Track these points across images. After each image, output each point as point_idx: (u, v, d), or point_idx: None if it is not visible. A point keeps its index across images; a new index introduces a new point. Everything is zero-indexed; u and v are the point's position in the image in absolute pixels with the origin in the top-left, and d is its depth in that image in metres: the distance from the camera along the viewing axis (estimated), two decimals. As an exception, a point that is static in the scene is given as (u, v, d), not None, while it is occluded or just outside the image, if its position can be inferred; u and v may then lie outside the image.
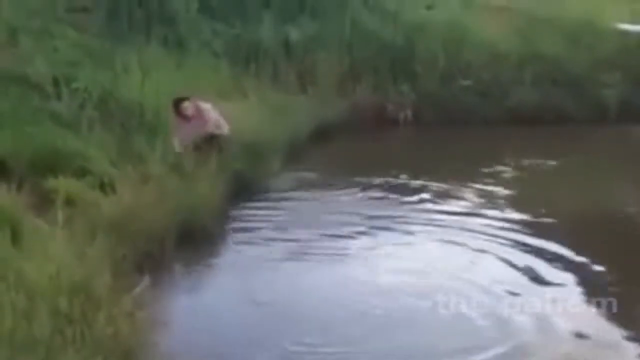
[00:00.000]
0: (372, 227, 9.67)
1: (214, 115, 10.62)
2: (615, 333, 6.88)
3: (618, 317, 7.08)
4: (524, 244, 9.10)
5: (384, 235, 9.43)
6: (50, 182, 8.51)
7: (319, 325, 6.94)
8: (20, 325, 5.17)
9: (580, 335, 6.80)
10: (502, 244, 9.10)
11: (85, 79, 11.08)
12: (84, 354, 5.13)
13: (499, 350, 6.48)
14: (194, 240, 8.75)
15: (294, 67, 15.62)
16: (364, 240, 9.21)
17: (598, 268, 8.34)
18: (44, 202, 7.91)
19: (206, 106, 10.61)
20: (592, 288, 7.82)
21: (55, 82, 10.62)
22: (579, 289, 7.85)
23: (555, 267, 8.43)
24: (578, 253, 8.75)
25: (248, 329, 6.93)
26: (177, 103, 10.45)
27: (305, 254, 8.76)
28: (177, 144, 10.26)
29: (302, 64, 15.75)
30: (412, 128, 15.77)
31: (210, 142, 10.47)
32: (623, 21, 17.77)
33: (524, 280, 8.10)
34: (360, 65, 16.18)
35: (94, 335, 5.39)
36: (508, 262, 8.56)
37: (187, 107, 10.44)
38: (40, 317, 5.31)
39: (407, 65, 16.36)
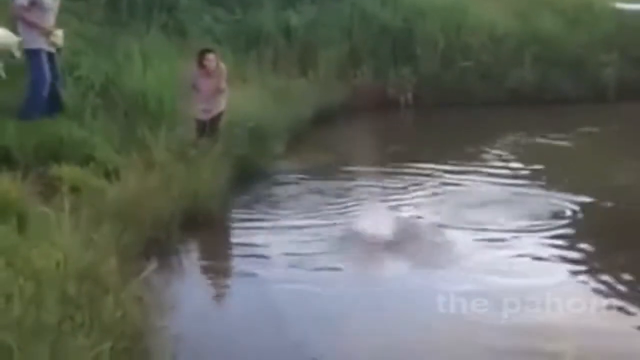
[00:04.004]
0: (376, 211, 9.72)
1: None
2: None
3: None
4: (530, 220, 9.22)
5: (389, 218, 9.46)
6: (55, 170, 8.57)
7: (320, 313, 7.00)
8: (29, 312, 5.20)
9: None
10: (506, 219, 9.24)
11: (88, 67, 11.11)
12: (93, 338, 5.16)
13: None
14: (198, 225, 8.82)
15: (295, 52, 15.65)
16: (367, 224, 9.25)
17: (601, 241, 8.49)
18: (49, 190, 7.94)
19: (224, 68, 10.60)
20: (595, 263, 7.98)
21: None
22: (583, 267, 7.95)
23: (561, 241, 8.58)
24: (583, 228, 8.93)
25: (254, 312, 7.01)
26: (202, 54, 10.42)
27: (310, 239, 8.77)
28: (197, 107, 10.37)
29: (303, 48, 15.77)
30: (413, 110, 15.84)
31: (214, 121, 10.48)
32: (620, 0, 17.81)
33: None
34: (360, 49, 16.22)
35: (102, 320, 5.43)
36: (516, 242, 8.67)
37: (212, 59, 10.40)
38: (49, 303, 5.34)
39: (407, 48, 16.41)
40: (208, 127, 10.36)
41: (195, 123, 10.44)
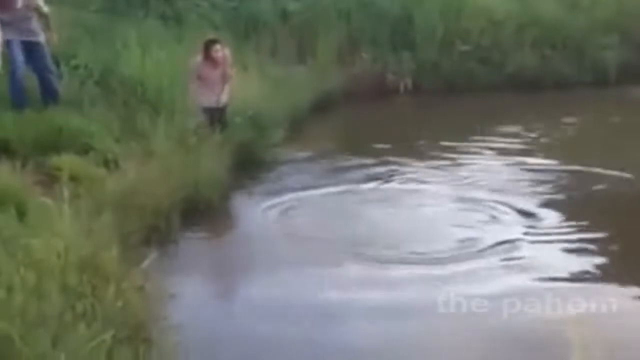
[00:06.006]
0: (376, 196, 9.71)
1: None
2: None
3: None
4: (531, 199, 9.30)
5: (391, 204, 9.44)
6: (54, 160, 8.54)
7: (321, 298, 6.98)
8: (31, 302, 5.18)
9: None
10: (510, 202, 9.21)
11: (86, 56, 11.08)
12: (94, 328, 5.13)
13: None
14: (199, 213, 8.79)
15: (293, 39, 15.60)
16: (367, 209, 9.23)
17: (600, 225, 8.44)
18: (48, 180, 7.94)
19: (228, 54, 10.65)
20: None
21: (56, 60, 10.62)
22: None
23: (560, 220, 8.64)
24: (581, 210, 8.94)
25: (255, 300, 6.99)
26: (208, 45, 10.37)
27: (313, 226, 8.72)
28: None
29: (301, 35, 15.72)
30: (413, 96, 15.79)
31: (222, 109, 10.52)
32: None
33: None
34: (359, 35, 16.17)
35: (104, 310, 5.40)
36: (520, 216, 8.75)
37: (219, 49, 10.39)
38: (50, 293, 5.32)
39: (406, 34, 16.35)
40: (217, 115, 10.37)
41: (203, 112, 10.41)
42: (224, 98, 10.44)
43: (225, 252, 8.50)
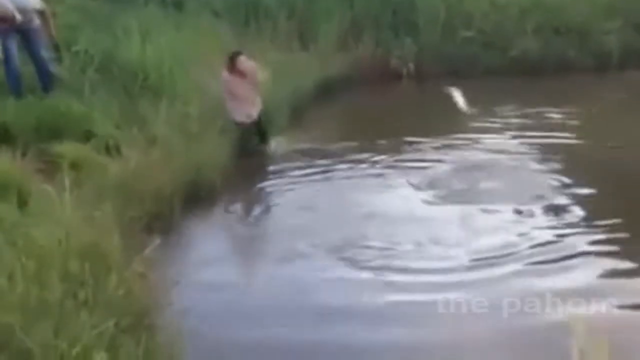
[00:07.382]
0: (381, 183, 9.66)
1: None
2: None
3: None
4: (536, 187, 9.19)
5: (396, 193, 9.38)
6: (55, 147, 8.50)
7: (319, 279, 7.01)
8: (32, 290, 5.16)
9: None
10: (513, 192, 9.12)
11: (86, 42, 11.04)
12: (96, 316, 5.11)
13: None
14: (201, 199, 8.77)
15: (294, 24, 15.54)
16: (371, 196, 9.19)
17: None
18: (49, 167, 7.93)
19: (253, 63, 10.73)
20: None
21: (56, 46, 10.59)
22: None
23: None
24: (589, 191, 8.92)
25: (258, 286, 6.98)
26: (233, 57, 10.46)
27: (315, 214, 8.68)
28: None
29: (303, 20, 15.66)
30: (416, 81, 15.73)
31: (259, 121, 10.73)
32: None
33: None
34: (361, 20, 16.09)
35: (106, 298, 5.38)
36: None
37: (244, 60, 10.51)
38: (52, 281, 5.30)
39: (409, 18, 16.28)
40: (254, 126, 10.66)
41: (237, 126, 10.54)
42: (257, 111, 10.63)
43: (227, 238, 8.48)
